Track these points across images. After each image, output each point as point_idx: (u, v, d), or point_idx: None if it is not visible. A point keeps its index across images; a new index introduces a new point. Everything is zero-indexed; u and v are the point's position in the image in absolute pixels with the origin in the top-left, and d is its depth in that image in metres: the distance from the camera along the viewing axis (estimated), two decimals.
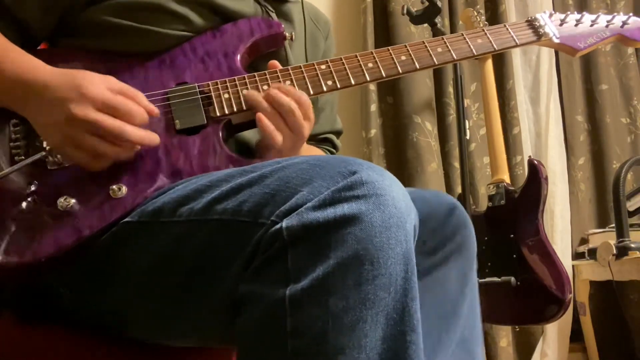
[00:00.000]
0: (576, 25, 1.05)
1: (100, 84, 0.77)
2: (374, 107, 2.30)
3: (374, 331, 0.60)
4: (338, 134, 1.18)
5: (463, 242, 0.91)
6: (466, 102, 2.40)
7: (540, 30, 1.02)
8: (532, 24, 1.03)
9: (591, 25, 1.05)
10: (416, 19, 1.60)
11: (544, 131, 2.60)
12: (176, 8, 0.90)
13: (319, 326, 0.59)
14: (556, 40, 1.02)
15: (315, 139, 1.15)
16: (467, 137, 2.12)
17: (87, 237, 0.74)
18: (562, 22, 1.04)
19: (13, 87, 0.78)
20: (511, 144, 2.46)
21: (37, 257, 0.72)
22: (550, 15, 1.05)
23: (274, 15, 1.01)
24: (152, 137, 0.80)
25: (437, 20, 1.61)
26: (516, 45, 1.01)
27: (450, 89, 2.34)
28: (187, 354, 0.86)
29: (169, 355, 0.85)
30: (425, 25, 1.70)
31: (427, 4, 1.53)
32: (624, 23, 1.06)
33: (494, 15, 2.59)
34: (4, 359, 0.78)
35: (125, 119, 0.77)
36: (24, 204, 0.75)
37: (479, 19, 1.99)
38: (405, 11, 1.52)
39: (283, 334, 0.59)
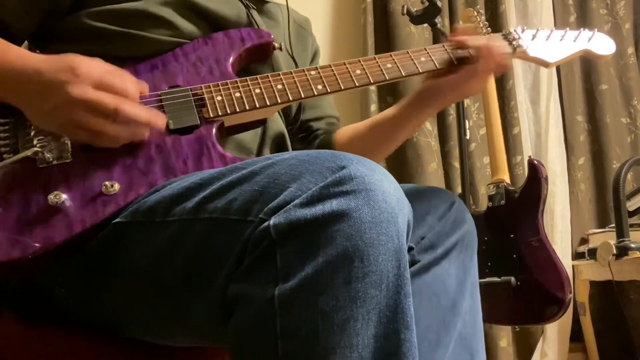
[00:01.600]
0: (546, 40, 1.11)
1: (93, 63, 0.78)
2: (374, 107, 2.30)
3: (365, 330, 0.59)
4: (339, 119, 1.21)
5: (463, 236, 0.91)
6: (466, 102, 2.40)
7: (515, 43, 1.07)
8: (506, 37, 1.08)
9: (560, 40, 1.11)
10: (416, 19, 1.59)
11: (544, 131, 2.60)
12: (160, 12, 0.91)
13: (309, 326, 0.58)
14: (530, 53, 1.08)
15: (329, 121, 1.16)
16: (467, 137, 2.12)
17: (79, 233, 0.73)
18: (534, 37, 1.10)
19: (5, 78, 0.77)
20: (511, 144, 2.46)
21: (26, 253, 0.71)
22: (523, 31, 1.11)
23: (255, 12, 1.02)
24: (151, 113, 0.79)
25: (437, 20, 1.61)
26: None
27: None
28: (186, 354, 0.86)
29: (168, 355, 0.85)
30: (425, 25, 1.70)
31: (427, 4, 1.52)
32: (590, 39, 1.12)
33: (494, 15, 2.59)
34: (4, 359, 0.78)
35: (122, 95, 0.77)
36: (13, 201, 0.74)
37: (479, 19, 1.98)
38: (405, 11, 1.52)
39: (273, 335, 0.59)
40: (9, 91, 0.78)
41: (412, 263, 0.86)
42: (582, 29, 1.14)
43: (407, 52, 0.99)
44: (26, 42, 0.95)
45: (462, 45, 0.99)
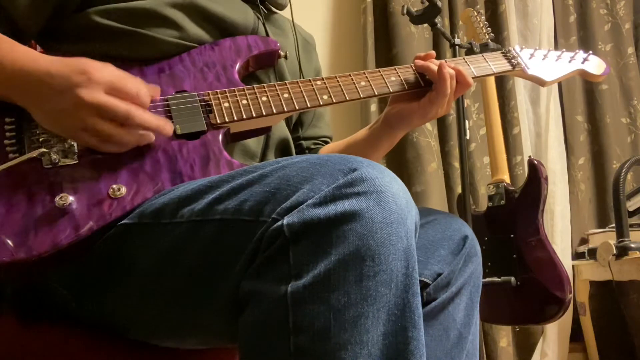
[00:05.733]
0: (543, 59, 1.15)
1: (106, 68, 0.78)
2: (374, 107, 2.30)
3: (375, 327, 0.60)
4: (331, 138, 1.24)
5: (473, 272, 0.93)
6: (466, 102, 2.40)
7: (514, 61, 1.11)
8: (506, 55, 1.12)
9: (556, 60, 1.16)
10: (416, 19, 1.59)
11: (544, 131, 2.60)
12: (168, 13, 0.91)
13: (321, 322, 0.59)
14: (528, 72, 1.12)
15: (319, 141, 1.19)
16: (467, 137, 2.12)
17: (86, 236, 0.73)
18: (531, 55, 1.15)
19: (12, 77, 0.77)
20: (511, 144, 2.46)
21: (32, 255, 0.71)
22: (521, 49, 1.15)
23: (261, 24, 1.03)
24: (160, 121, 0.80)
25: (437, 20, 1.61)
26: (493, 74, 1.09)
27: None
28: (188, 354, 0.86)
29: (170, 355, 0.85)
30: (425, 25, 1.70)
31: (427, 4, 1.52)
32: (585, 60, 1.18)
33: (494, 15, 2.59)
34: (4, 359, 0.78)
35: (134, 100, 0.77)
36: (18, 202, 0.74)
37: (479, 19, 1.99)
38: (405, 11, 1.52)
39: (285, 330, 0.60)
40: (16, 91, 0.78)
41: (428, 301, 0.88)
42: (577, 50, 1.19)
43: (411, 66, 1.03)
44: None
45: (421, 71, 1.02)
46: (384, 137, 1.09)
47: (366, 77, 0.98)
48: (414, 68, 1.03)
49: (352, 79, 0.97)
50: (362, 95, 0.96)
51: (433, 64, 1.01)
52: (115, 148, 0.78)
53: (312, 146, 1.19)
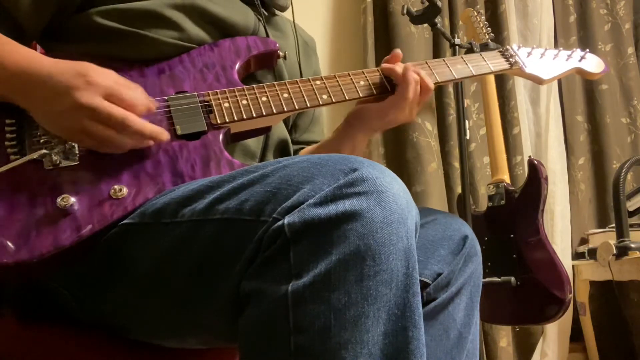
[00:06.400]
0: (541, 57, 1.16)
1: (106, 74, 0.78)
2: None
3: (376, 327, 0.60)
4: None
5: (473, 272, 0.93)
6: (466, 102, 2.40)
7: (512, 59, 1.12)
8: (504, 53, 1.13)
9: (553, 59, 1.17)
10: (416, 19, 1.60)
11: (544, 131, 2.60)
12: (169, 14, 0.91)
13: (322, 322, 0.59)
14: (525, 70, 1.12)
15: (299, 146, 1.19)
16: (467, 137, 2.13)
17: (87, 237, 0.73)
18: (529, 54, 1.15)
19: (13, 78, 0.77)
20: (511, 144, 2.46)
21: (33, 255, 0.71)
22: (519, 48, 1.15)
23: (261, 25, 1.03)
24: (155, 129, 0.80)
25: (437, 20, 1.61)
26: (491, 72, 1.10)
27: (450, 89, 2.34)
28: (188, 354, 0.86)
29: (170, 355, 0.85)
30: (425, 25, 1.70)
31: (427, 4, 1.52)
32: (582, 58, 1.18)
33: (494, 15, 2.59)
34: (5, 359, 0.78)
35: (129, 109, 0.77)
36: (20, 203, 0.74)
37: (479, 19, 1.99)
38: (405, 11, 1.52)
39: (286, 330, 0.60)
40: (18, 92, 0.78)
41: (428, 301, 0.88)
42: (574, 49, 1.20)
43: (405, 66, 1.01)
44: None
45: (386, 74, 1.01)
46: (345, 138, 1.06)
47: (365, 76, 0.98)
48: (380, 72, 1.01)
49: (352, 79, 0.97)
50: (361, 95, 0.96)
51: (398, 67, 0.99)
52: (113, 150, 0.79)
53: (298, 150, 1.18)
